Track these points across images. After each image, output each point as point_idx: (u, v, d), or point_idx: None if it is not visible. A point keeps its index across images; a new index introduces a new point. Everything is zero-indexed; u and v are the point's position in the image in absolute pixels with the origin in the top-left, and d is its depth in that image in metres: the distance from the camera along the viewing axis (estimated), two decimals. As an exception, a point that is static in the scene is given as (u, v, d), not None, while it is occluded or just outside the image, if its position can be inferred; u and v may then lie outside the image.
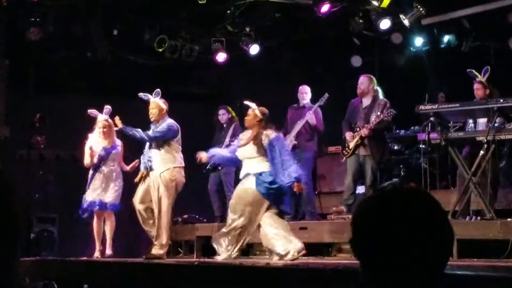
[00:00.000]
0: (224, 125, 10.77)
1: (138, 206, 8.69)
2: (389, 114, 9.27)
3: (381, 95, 9.58)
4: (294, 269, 6.33)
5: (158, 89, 8.75)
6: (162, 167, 8.57)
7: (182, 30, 12.11)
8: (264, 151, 7.77)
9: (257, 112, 7.96)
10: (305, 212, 9.97)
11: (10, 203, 2.01)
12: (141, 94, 8.75)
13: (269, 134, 7.81)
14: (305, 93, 10.29)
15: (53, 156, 12.13)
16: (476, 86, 8.72)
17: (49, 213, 11.32)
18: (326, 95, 10.09)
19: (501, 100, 7.97)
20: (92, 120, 9.56)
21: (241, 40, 12.07)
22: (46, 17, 11.08)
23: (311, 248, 9.35)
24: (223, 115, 10.86)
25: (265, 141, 7.77)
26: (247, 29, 12.01)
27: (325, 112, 10.31)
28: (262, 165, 7.80)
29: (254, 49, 12.07)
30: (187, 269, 7.30)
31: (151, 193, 8.61)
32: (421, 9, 10.95)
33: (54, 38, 11.38)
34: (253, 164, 7.86)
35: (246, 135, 8.09)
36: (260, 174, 7.77)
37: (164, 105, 8.72)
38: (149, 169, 8.64)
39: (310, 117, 10.03)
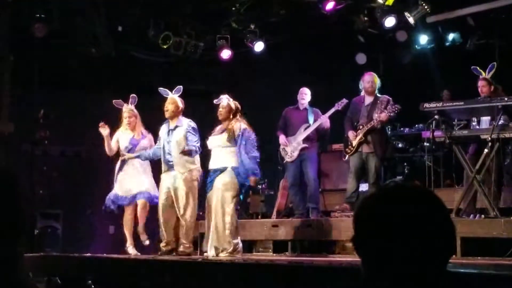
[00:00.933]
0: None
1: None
2: (395, 110, 9.26)
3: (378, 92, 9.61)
4: (298, 267, 6.34)
5: (180, 86, 8.72)
6: (183, 168, 8.57)
7: (186, 27, 12.10)
8: (235, 141, 8.13)
9: (232, 105, 8.27)
10: (309, 209, 9.97)
11: (14, 198, 2.02)
12: (161, 89, 8.74)
13: (242, 125, 8.18)
14: (305, 94, 10.23)
15: (57, 152, 12.17)
16: (480, 83, 8.71)
17: (53, 209, 11.35)
18: (345, 100, 9.95)
19: (506, 99, 7.97)
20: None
21: (246, 37, 12.07)
22: (51, 13, 11.09)
23: (315, 246, 9.38)
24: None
25: (237, 132, 8.13)
26: (252, 26, 12.01)
27: (328, 109, 10.26)
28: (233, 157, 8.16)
29: (258, 46, 12.07)
30: (191, 265, 7.31)
31: (170, 193, 8.65)
32: (426, 7, 10.93)
33: (58, 34, 11.39)
34: (224, 154, 8.19)
35: (220, 126, 8.42)
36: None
37: (181, 104, 8.68)
38: (169, 169, 8.66)
39: (325, 120, 10.02)
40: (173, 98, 8.65)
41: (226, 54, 12.24)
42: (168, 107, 8.63)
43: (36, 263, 8.61)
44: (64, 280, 7.98)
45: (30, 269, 8.06)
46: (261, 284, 6.13)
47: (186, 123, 8.63)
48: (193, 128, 8.62)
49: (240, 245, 8.26)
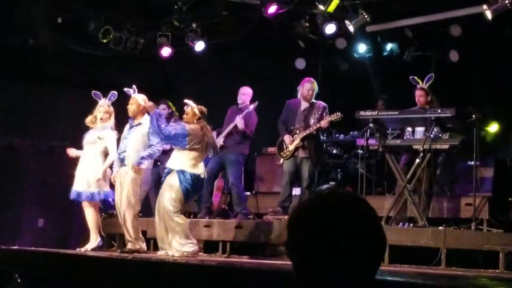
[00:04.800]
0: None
1: None
2: (337, 118, 9.33)
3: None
4: (228, 268, 6.35)
5: (134, 86, 8.74)
6: (132, 164, 8.55)
7: (127, 22, 11.98)
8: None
9: (196, 111, 8.37)
10: (237, 213, 9.97)
11: None
12: (126, 89, 8.73)
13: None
14: (242, 94, 10.25)
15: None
16: (418, 92, 8.85)
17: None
18: (256, 102, 10.07)
19: (439, 110, 8.14)
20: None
21: (187, 36, 12.01)
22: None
23: (245, 248, 9.40)
24: (163, 109, 10.79)
25: None
26: (194, 25, 11.96)
27: (266, 112, 10.32)
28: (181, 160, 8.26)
29: (199, 46, 12.01)
30: (120, 263, 7.25)
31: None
32: (366, 16, 11.06)
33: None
34: (175, 155, 8.36)
35: None
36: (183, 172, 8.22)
37: (142, 102, 8.67)
38: (121, 164, 8.62)
39: (239, 121, 9.98)
40: (133, 98, 8.69)
41: (166, 51, 12.15)
42: (130, 107, 8.69)
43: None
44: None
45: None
46: (190, 285, 6.12)
47: (149, 122, 8.60)
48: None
49: (192, 247, 8.25)
